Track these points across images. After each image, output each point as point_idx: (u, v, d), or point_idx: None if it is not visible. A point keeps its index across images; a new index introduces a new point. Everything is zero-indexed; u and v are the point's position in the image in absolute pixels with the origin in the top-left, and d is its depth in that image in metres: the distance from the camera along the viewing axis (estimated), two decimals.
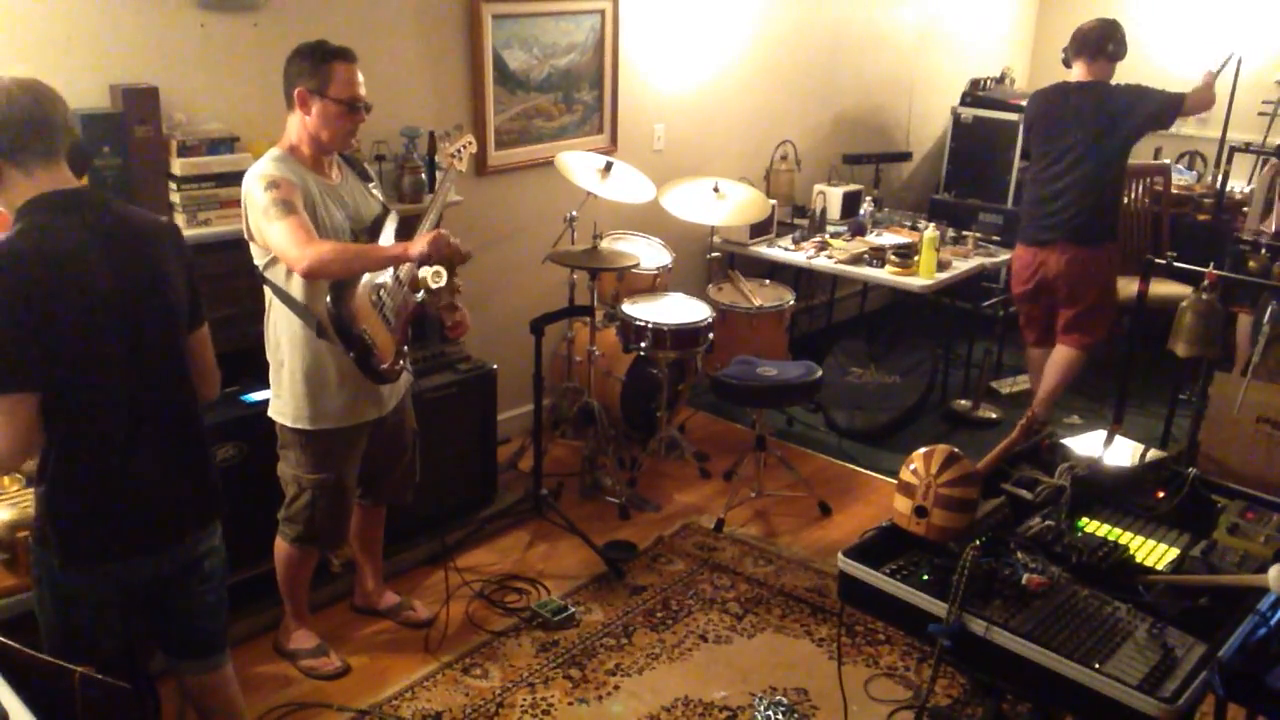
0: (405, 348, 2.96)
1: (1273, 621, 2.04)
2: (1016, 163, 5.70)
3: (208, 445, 2.26)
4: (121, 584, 2.13)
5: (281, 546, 3.05)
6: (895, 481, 2.27)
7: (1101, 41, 4.22)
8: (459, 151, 3.31)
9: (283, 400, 2.87)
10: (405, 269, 2.87)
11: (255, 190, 2.66)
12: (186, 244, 2.21)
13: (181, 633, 2.30)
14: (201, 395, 2.30)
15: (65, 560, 2.07)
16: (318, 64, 2.70)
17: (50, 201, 1.95)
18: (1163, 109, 4.18)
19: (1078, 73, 4.30)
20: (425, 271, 2.69)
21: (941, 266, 4.78)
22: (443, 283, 2.71)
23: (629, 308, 4.26)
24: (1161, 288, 4.61)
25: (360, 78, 2.76)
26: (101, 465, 2.04)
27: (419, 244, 2.68)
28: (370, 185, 3.03)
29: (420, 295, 2.79)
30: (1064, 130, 4.29)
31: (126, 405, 2.04)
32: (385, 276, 2.88)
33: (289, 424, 2.87)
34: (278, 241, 2.62)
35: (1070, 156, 4.28)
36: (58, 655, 2.01)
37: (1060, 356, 4.49)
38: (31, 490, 2.55)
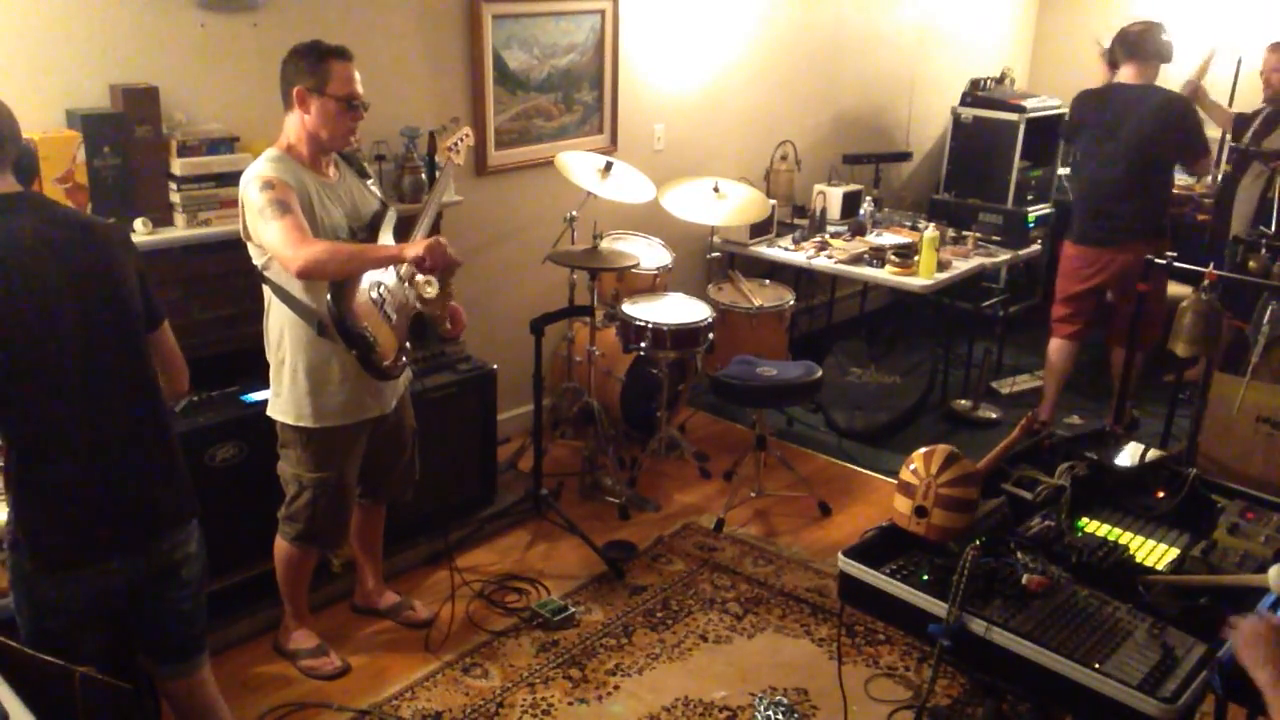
0: (407, 345, 2.96)
1: None
2: (1016, 163, 5.69)
3: (177, 444, 2.23)
4: (96, 591, 2.10)
5: (281, 546, 3.05)
6: (895, 481, 2.27)
7: (1154, 44, 4.33)
8: (456, 144, 3.30)
9: (283, 399, 2.87)
10: (405, 266, 2.88)
11: (251, 191, 2.66)
12: (135, 245, 2.21)
13: (157, 638, 2.28)
14: (173, 390, 2.29)
15: (38, 565, 2.05)
16: (315, 63, 2.71)
17: None
18: (1193, 148, 4.42)
19: (1128, 74, 4.36)
20: (418, 280, 2.70)
21: (941, 266, 4.78)
22: (435, 292, 2.71)
23: (629, 308, 4.26)
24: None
25: (357, 76, 2.77)
26: (65, 467, 2.03)
27: (415, 247, 2.68)
28: (368, 182, 3.04)
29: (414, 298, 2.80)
30: (1123, 131, 4.34)
31: (85, 405, 2.02)
32: (386, 274, 2.88)
33: (290, 422, 2.87)
34: (272, 242, 2.62)
35: (1130, 157, 4.35)
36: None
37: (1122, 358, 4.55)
38: None
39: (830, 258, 4.93)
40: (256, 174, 2.68)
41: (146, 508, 2.14)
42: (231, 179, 3.12)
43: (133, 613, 2.21)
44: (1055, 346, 4.69)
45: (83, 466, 2.04)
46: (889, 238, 5.15)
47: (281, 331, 2.83)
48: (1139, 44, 4.34)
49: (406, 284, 2.90)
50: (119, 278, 2.07)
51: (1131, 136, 4.33)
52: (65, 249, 2.00)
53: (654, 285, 4.53)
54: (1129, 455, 2.62)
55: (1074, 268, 4.56)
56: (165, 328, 2.24)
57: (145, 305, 2.15)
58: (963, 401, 5.06)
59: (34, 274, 1.94)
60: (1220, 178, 4.86)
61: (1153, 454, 2.62)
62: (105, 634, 2.16)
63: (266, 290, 2.83)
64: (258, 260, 2.78)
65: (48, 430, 2.00)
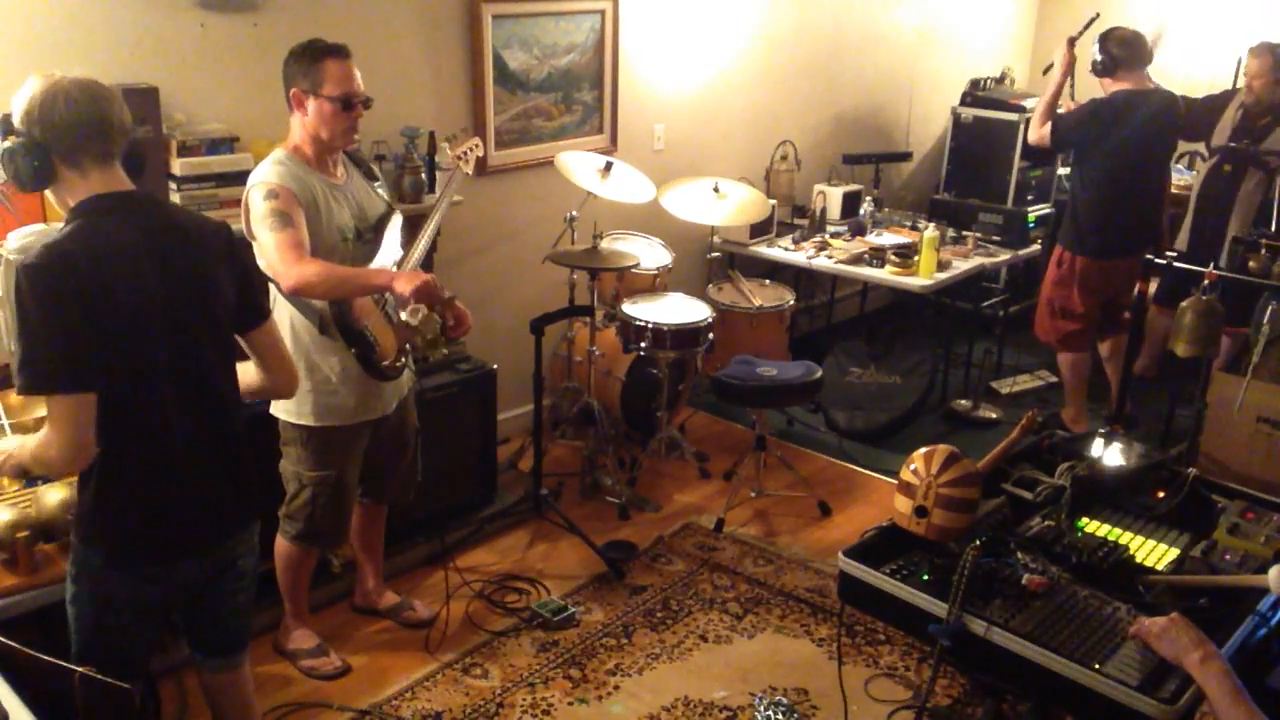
0: (408, 345, 2.96)
1: (1273, 622, 2.04)
2: (1017, 163, 5.69)
3: (247, 446, 2.23)
4: (164, 586, 2.12)
5: (282, 545, 3.05)
6: (895, 481, 2.27)
7: (1147, 48, 4.34)
8: (465, 154, 3.31)
9: None
10: (409, 267, 2.88)
11: (254, 196, 2.66)
12: (239, 242, 2.20)
13: (212, 631, 2.31)
14: (278, 390, 2.31)
15: (110, 561, 2.06)
16: (310, 63, 2.71)
17: (102, 203, 1.94)
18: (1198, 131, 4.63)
19: (1132, 80, 4.32)
20: (404, 310, 2.71)
21: (941, 266, 4.78)
22: (420, 318, 2.71)
23: (629, 308, 4.26)
24: None
25: (356, 74, 2.76)
26: (153, 467, 2.03)
27: (404, 283, 2.67)
28: (376, 184, 3.03)
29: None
30: (1147, 141, 4.34)
31: (176, 406, 2.03)
32: None
33: (291, 420, 2.88)
34: (268, 253, 2.62)
35: (1155, 164, 4.40)
36: (87, 654, 2.02)
37: (1121, 346, 4.53)
38: (33, 490, 2.55)
39: (830, 258, 4.93)
40: (262, 179, 2.68)
41: (221, 509, 2.16)
42: (231, 179, 3.13)
43: (192, 608, 2.24)
44: (1075, 360, 4.62)
45: (167, 471, 2.05)
46: (889, 238, 5.15)
47: (285, 330, 2.82)
48: (1138, 50, 4.31)
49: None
50: (212, 282, 2.08)
51: (1155, 144, 4.35)
52: (164, 254, 1.99)
53: (654, 285, 4.53)
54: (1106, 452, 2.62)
55: (1092, 283, 4.47)
56: (270, 325, 2.24)
57: (245, 303, 2.15)
58: (963, 401, 5.06)
59: (131, 275, 1.93)
60: (1205, 173, 4.84)
61: (1153, 454, 2.62)
62: (158, 629, 2.21)
63: (270, 288, 2.82)
64: (260, 260, 2.78)
65: (139, 429, 2.00)
